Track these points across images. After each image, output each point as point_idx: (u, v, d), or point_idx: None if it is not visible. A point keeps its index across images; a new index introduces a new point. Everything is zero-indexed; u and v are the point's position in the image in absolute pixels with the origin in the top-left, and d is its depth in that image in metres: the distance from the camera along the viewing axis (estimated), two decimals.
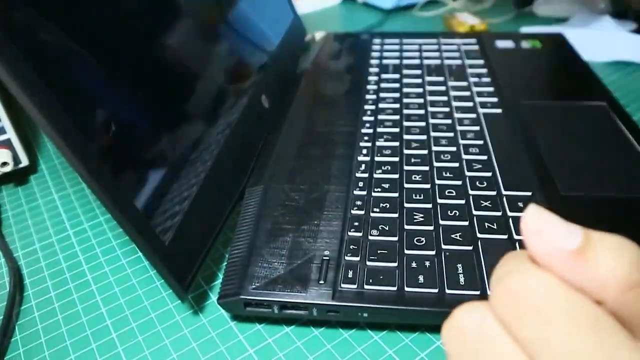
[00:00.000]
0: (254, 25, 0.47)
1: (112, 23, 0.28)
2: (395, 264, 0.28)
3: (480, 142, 0.38)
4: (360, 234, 0.31)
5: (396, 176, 0.35)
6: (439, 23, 0.69)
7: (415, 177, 0.35)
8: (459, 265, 0.28)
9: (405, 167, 0.36)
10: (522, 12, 0.70)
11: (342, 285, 0.27)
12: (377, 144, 0.39)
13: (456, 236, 0.30)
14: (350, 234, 0.31)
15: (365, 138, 0.40)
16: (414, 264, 0.28)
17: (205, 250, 0.30)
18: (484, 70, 0.49)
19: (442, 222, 0.31)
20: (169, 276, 0.27)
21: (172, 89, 0.32)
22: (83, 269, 0.34)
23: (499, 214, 0.31)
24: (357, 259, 0.29)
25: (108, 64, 0.27)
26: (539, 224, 0.16)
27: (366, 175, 0.36)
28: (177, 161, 0.31)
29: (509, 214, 0.31)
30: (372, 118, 0.42)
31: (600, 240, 0.15)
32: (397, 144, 0.39)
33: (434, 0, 0.74)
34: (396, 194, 0.34)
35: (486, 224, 0.31)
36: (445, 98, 0.45)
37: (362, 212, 0.32)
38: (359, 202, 0.33)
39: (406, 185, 0.34)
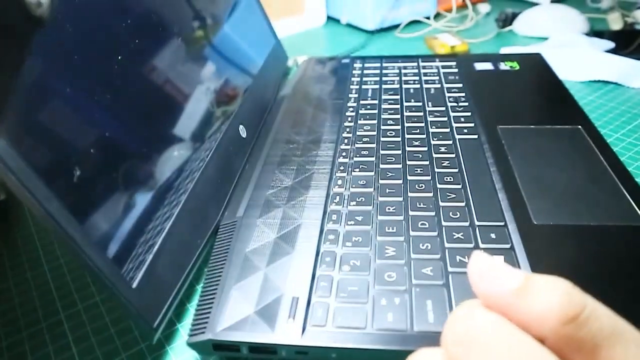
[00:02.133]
0: (233, 54, 0.47)
1: (81, 46, 0.28)
2: (365, 301, 0.28)
3: (455, 170, 0.38)
4: (331, 270, 0.30)
5: (370, 208, 0.35)
6: (421, 44, 0.70)
7: (388, 209, 0.35)
8: (429, 302, 0.28)
9: (380, 199, 0.36)
10: (502, 32, 0.70)
11: (311, 325, 0.27)
12: (353, 173, 0.39)
13: (427, 271, 0.30)
14: (321, 270, 0.31)
15: (342, 168, 0.40)
16: (383, 301, 0.28)
17: (177, 289, 0.30)
18: (462, 95, 0.49)
19: (413, 256, 0.31)
20: (137, 318, 0.27)
21: (145, 123, 0.32)
22: (57, 307, 0.34)
23: (471, 245, 0.31)
24: (327, 296, 0.29)
25: (74, 91, 0.27)
26: (483, 267, 0.18)
27: (340, 207, 0.36)
28: (147, 199, 0.31)
29: (481, 245, 0.31)
30: (348, 147, 0.42)
31: (539, 279, 0.16)
32: (372, 174, 0.39)
33: (416, 21, 0.75)
34: (369, 227, 0.34)
35: (458, 257, 0.31)
36: (422, 124, 0.45)
37: (335, 247, 0.32)
38: (331, 237, 0.33)
39: (379, 218, 0.34)
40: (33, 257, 0.39)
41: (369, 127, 0.45)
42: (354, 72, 0.56)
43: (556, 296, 0.16)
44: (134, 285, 0.27)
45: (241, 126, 0.44)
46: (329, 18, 0.80)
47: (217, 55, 0.44)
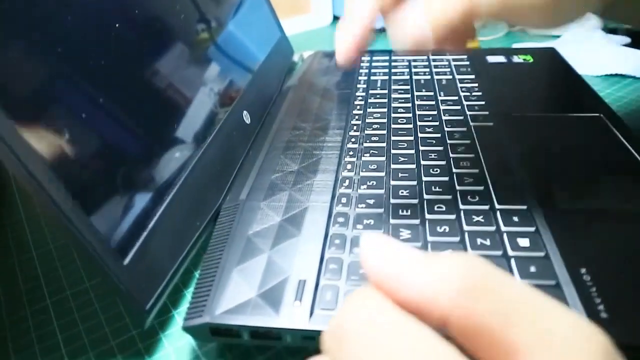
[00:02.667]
0: (237, 42, 0.46)
1: (82, 31, 0.26)
2: None
3: (472, 155, 0.36)
4: (341, 253, 0.28)
5: (382, 191, 0.33)
6: None
7: (402, 192, 0.33)
8: None
9: (392, 182, 0.34)
10: (514, 30, 0.69)
11: (320, 308, 0.25)
12: (363, 158, 0.37)
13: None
14: (330, 253, 0.28)
15: (351, 153, 0.38)
16: None
17: (172, 271, 0.28)
18: (475, 85, 0.47)
19: (430, 239, 0.29)
20: (127, 298, 0.24)
21: (142, 95, 0.30)
22: (43, 293, 0.31)
23: (492, 228, 0.29)
24: (337, 279, 0.26)
25: (69, 55, 0.25)
26: (371, 245, 0.15)
27: (350, 191, 0.33)
28: (142, 173, 0.28)
29: (503, 228, 0.29)
30: (358, 133, 0.40)
31: (434, 255, 0.14)
32: (383, 158, 0.37)
33: None
34: (381, 210, 0.31)
35: (478, 240, 0.28)
36: (434, 112, 0.43)
37: (345, 229, 0.30)
38: (341, 219, 0.31)
39: (392, 201, 0.32)
40: (21, 242, 0.36)
41: (378, 115, 0.43)
42: (361, 64, 0.54)
43: (454, 267, 0.13)
44: (125, 262, 0.25)
45: (245, 112, 0.42)
46: (336, 18, 0.79)
47: (221, 41, 0.43)
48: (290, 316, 0.24)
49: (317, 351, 0.25)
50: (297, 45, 0.61)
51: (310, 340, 0.24)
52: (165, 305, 0.29)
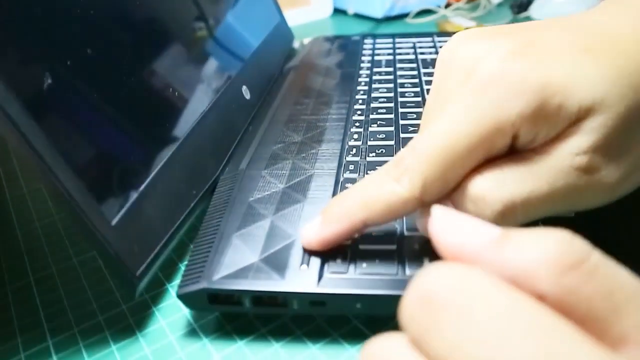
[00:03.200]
0: (236, 20, 0.44)
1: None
2: (394, 247, 0.23)
3: None
4: None
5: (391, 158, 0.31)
6: (433, 30, 0.66)
7: None
8: None
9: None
10: (518, 18, 0.67)
11: (330, 271, 0.22)
12: (371, 129, 0.35)
13: None
14: None
15: (357, 124, 0.35)
16: (416, 246, 0.23)
17: (166, 239, 0.25)
18: None
19: None
20: (115, 262, 0.22)
21: (135, 49, 0.28)
22: (26, 270, 0.29)
23: None
24: (347, 243, 0.24)
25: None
26: (448, 219, 0.14)
27: (357, 159, 0.31)
28: (134, 130, 0.26)
29: None
30: (364, 106, 0.38)
31: (522, 230, 0.12)
32: (391, 128, 0.34)
33: (426, 10, 0.72)
34: None
35: None
36: None
37: None
38: (349, 185, 0.28)
39: None
40: (5, 221, 0.34)
41: (385, 89, 0.41)
42: (364, 47, 0.53)
43: (551, 243, 0.12)
44: (114, 222, 0.22)
45: (244, 87, 0.40)
46: (336, 10, 0.78)
47: (219, 18, 0.41)
48: (297, 280, 0.22)
49: (328, 321, 0.23)
50: (297, 36, 0.59)
51: (319, 307, 0.22)
52: (158, 278, 0.27)
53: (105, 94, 0.25)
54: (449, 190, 0.20)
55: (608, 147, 0.18)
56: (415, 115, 0.36)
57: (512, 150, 0.20)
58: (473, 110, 0.19)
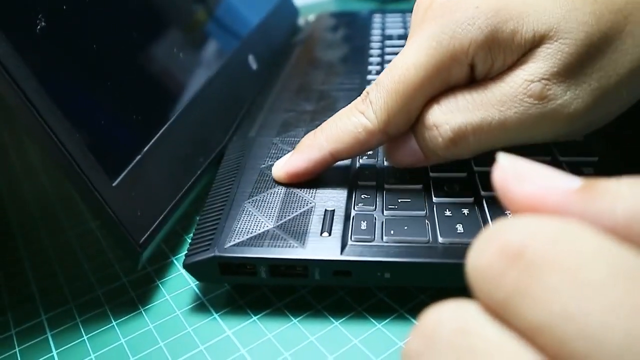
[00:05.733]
0: None
1: None
2: (424, 213, 0.21)
3: None
4: (373, 183, 0.24)
5: None
6: None
7: None
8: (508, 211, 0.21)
9: None
10: None
11: (354, 238, 0.20)
12: None
13: None
14: (361, 182, 0.24)
15: None
16: (448, 212, 0.21)
17: (170, 208, 0.23)
18: None
19: (477, 168, 0.24)
20: (116, 226, 0.20)
21: (139, 21, 0.26)
22: (15, 244, 0.27)
23: (548, 158, 0.25)
24: (372, 208, 0.22)
25: None
26: (521, 166, 0.11)
27: None
28: (136, 93, 0.24)
29: (561, 158, 0.25)
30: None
31: (608, 180, 0.10)
32: None
33: None
34: None
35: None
36: None
37: (374, 160, 0.25)
38: (369, 151, 0.26)
39: None
40: None
41: None
42: (373, 23, 0.50)
43: None
44: (115, 182, 0.20)
45: (251, 56, 0.37)
46: None
47: None
48: (319, 247, 0.20)
49: (352, 294, 0.21)
50: (300, 15, 0.57)
51: (343, 277, 0.20)
52: (162, 250, 0.25)
53: (108, 49, 0.23)
54: (412, 122, 0.20)
55: (564, 75, 0.18)
56: None
57: (472, 80, 0.20)
58: (428, 42, 0.19)
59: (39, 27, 0.19)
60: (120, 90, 0.23)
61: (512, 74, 0.19)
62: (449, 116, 0.19)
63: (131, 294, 0.22)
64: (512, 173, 0.11)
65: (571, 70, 0.18)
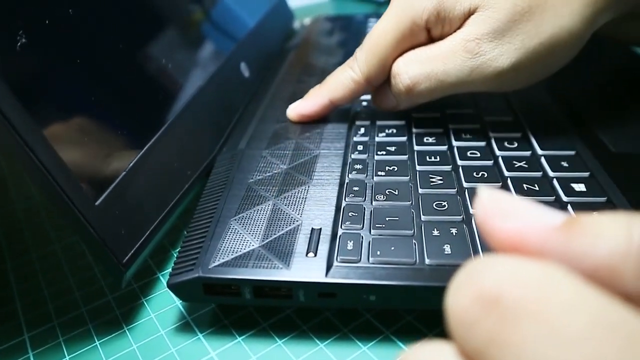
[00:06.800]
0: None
1: None
2: (411, 232, 0.21)
3: (500, 103, 0.32)
4: (361, 200, 0.23)
5: (404, 138, 0.28)
6: None
7: (427, 139, 0.28)
8: None
9: (415, 130, 0.29)
10: None
11: (340, 259, 0.20)
12: None
13: None
14: (348, 200, 0.23)
15: (364, 103, 0.33)
16: (435, 232, 0.21)
17: (156, 224, 0.23)
18: None
19: (467, 185, 0.24)
20: (99, 246, 0.19)
21: (124, 33, 0.25)
22: (2, 255, 0.26)
23: (539, 174, 0.24)
24: (359, 227, 0.22)
25: None
26: (502, 201, 0.11)
27: (366, 139, 0.29)
28: (120, 108, 0.23)
29: (552, 174, 0.24)
30: None
31: (590, 216, 0.10)
32: None
33: None
34: (405, 157, 0.26)
35: (525, 185, 0.24)
36: None
37: (363, 176, 0.25)
38: (358, 166, 0.26)
39: (417, 148, 0.27)
40: None
41: None
42: (369, 28, 0.50)
43: (636, 229, 0.09)
44: (97, 202, 0.20)
45: (242, 64, 0.37)
46: None
47: None
48: (304, 268, 0.19)
49: (338, 315, 0.21)
50: (295, 18, 0.56)
51: (328, 299, 0.19)
52: (148, 266, 0.24)
53: (90, 63, 0.22)
54: (387, 73, 0.27)
55: (492, 36, 0.24)
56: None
57: (431, 41, 0.26)
58: (395, 11, 0.26)
59: (19, 43, 0.19)
60: (105, 106, 0.22)
61: (454, 35, 0.25)
62: (408, 67, 0.26)
63: (116, 312, 0.22)
64: (493, 208, 0.11)
65: (498, 32, 0.24)
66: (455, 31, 0.25)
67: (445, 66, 0.25)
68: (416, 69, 0.25)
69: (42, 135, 0.18)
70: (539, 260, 0.10)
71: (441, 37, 0.25)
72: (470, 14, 0.24)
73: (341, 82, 0.28)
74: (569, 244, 0.10)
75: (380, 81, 0.27)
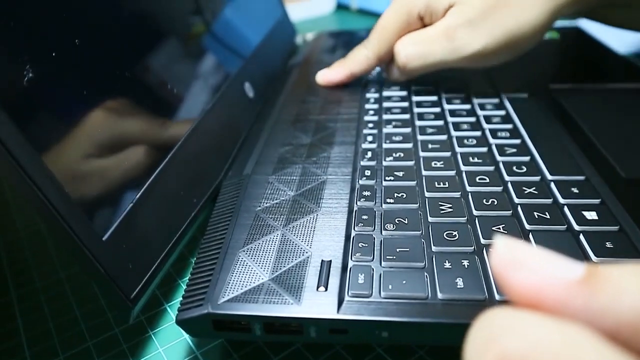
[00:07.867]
0: (236, 16, 0.41)
1: None
2: (422, 264, 0.21)
3: (509, 125, 0.31)
4: (370, 229, 0.23)
5: (411, 163, 0.28)
6: None
7: (435, 164, 0.28)
8: None
9: (422, 154, 0.29)
10: None
11: (351, 294, 0.20)
12: (385, 130, 0.32)
13: (498, 228, 0.22)
14: (357, 229, 0.23)
15: (370, 125, 0.33)
16: (447, 264, 0.21)
17: (163, 255, 0.23)
18: None
19: (477, 213, 0.24)
20: (107, 283, 0.19)
21: (128, 59, 0.25)
22: (7, 285, 0.26)
23: (549, 201, 0.24)
24: (369, 259, 0.21)
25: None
26: (519, 253, 0.11)
27: (374, 163, 0.28)
28: (125, 138, 0.23)
29: (562, 201, 0.24)
30: (376, 106, 0.36)
31: (611, 267, 0.10)
32: (408, 130, 0.32)
33: None
34: (413, 182, 0.26)
35: (535, 213, 0.23)
36: (460, 85, 0.38)
37: (372, 203, 0.25)
38: (366, 192, 0.26)
39: (425, 173, 0.27)
40: None
41: (397, 88, 0.38)
42: None
43: None
44: (105, 237, 0.20)
45: (247, 84, 0.37)
46: (339, 5, 0.75)
47: (219, 14, 0.38)
48: (315, 304, 0.19)
49: (350, 351, 0.20)
50: (298, 33, 0.56)
51: (340, 335, 0.19)
52: (155, 297, 0.24)
53: (94, 92, 0.22)
54: (392, 52, 0.35)
55: (467, 25, 0.31)
56: (433, 116, 0.33)
57: (425, 26, 0.33)
58: (396, 5, 0.34)
59: (25, 78, 0.19)
60: (111, 137, 0.22)
61: (438, 23, 0.32)
62: (405, 46, 0.33)
63: (123, 346, 0.22)
64: (509, 259, 0.11)
65: (471, 22, 0.30)
66: (439, 20, 0.32)
67: (431, 47, 0.32)
68: (410, 49, 0.33)
69: (46, 170, 0.18)
70: (561, 321, 0.10)
71: (431, 24, 0.33)
72: (450, 7, 0.32)
73: (357, 58, 0.36)
74: (590, 301, 0.10)
75: (387, 58, 0.35)
